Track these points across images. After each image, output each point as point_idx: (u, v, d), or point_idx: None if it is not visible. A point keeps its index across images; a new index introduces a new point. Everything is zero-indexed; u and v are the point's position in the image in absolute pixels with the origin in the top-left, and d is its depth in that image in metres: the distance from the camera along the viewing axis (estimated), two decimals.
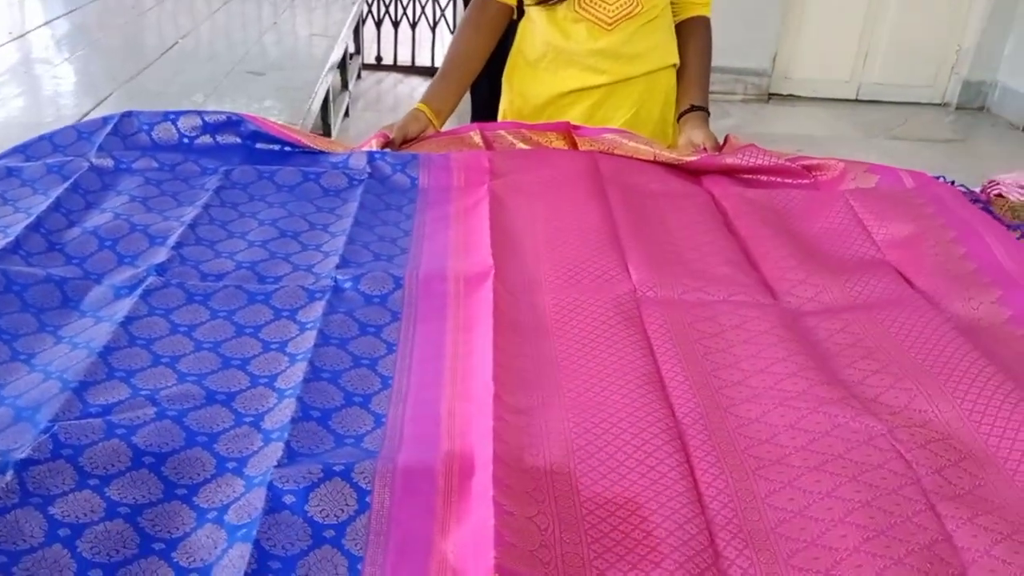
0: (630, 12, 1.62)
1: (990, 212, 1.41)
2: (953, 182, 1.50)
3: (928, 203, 1.36)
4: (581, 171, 1.44)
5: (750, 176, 1.53)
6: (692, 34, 1.71)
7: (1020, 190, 1.44)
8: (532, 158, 1.52)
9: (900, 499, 0.77)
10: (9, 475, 0.73)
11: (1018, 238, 1.29)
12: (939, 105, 5.26)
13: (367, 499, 0.75)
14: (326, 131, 3.26)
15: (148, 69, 2.66)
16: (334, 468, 0.77)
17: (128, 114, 1.46)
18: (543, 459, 0.80)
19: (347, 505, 0.74)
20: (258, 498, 0.74)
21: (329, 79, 2.97)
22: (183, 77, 2.62)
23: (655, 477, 0.79)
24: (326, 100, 3.06)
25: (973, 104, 5.18)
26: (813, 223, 1.36)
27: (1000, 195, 1.46)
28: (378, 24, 5.26)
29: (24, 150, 1.41)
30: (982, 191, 1.50)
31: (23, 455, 0.76)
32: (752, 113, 4.95)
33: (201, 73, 2.67)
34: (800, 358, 0.98)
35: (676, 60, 1.72)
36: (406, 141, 1.57)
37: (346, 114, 4.24)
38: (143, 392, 0.88)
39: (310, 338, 0.98)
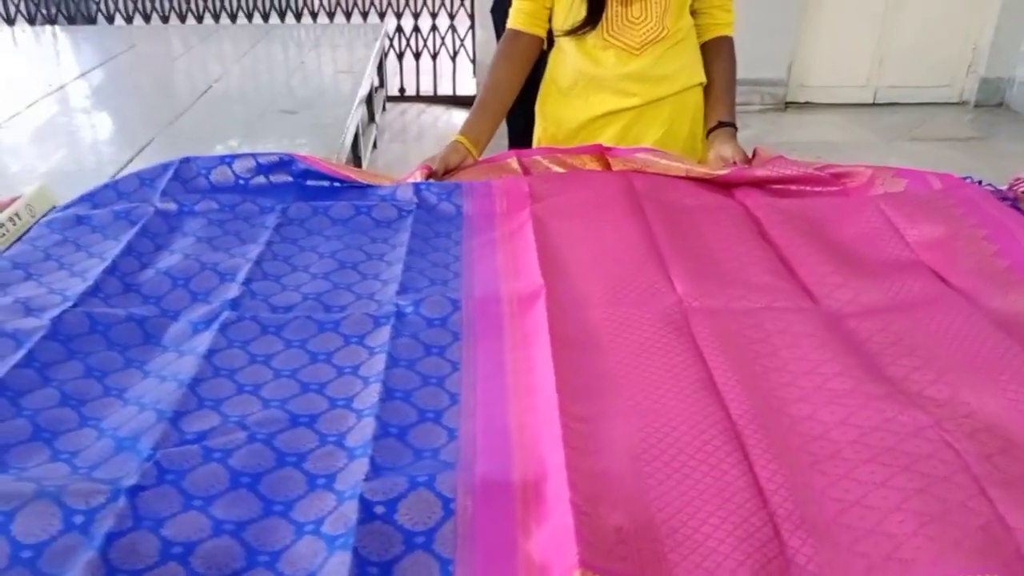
0: (656, 37, 1.69)
1: (1018, 209, 1.45)
2: (980, 182, 1.54)
3: (957, 204, 1.40)
4: (617, 191, 1.50)
5: (780, 187, 1.58)
6: (717, 54, 1.78)
7: None
8: (569, 181, 1.59)
9: (952, 486, 0.81)
10: (122, 501, 0.80)
11: None
12: (958, 104, 5.28)
13: (451, 506, 0.80)
14: (357, 164, 3.36)
15: (184, 115, 2.77)
16: (418, 480, 0.83)
17: (186, 160, 1.55)
18: (610, 463, 0.85)
19: (433, 513, 0.80)
20: (351, 510, 0.80)
21: (359, 114, 3.07)
22: (218, 120, 2.72)
23: (717, 475, 0.84)
24: (356, 134, 3.15)
25: (992, 101, 5.19)
26: (846, 229, 1.41)
27: None
28: (399, 56, 5.39)
29: (91, 198, 1.50)
30: (1009, 188, 1.54)
31: (132, 482, 0.83)
32: (770, 123, 5.00)
33: (235, 115, 2.78)
34: (845, 358, 1.03)
35: (703, 79, 1.79)
36: (448, 171, 1.65)
37: (374, 146, 4.34)
38: (232, 419, 0.94)
39: (380, 361, 1.04)
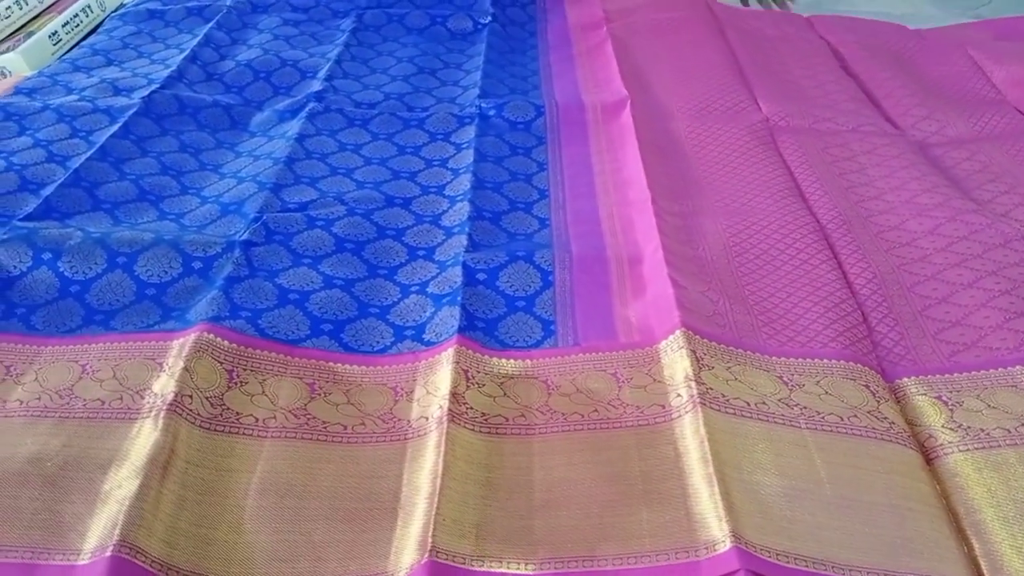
0: None
1: None
2: None
3: None
4: (695, 13, 1.46)
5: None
6: None
7: None
8: (645, 1, 1.54)
9: None
10: (237, 252, 0.84)
11: None
12: None
13: (549, 278, 0.84)
14: None
15: None
16: (517, 254, 0.86)
17: None
18: (703, 251, 0.88)
19: (532, 282, 0.83)
20: (455, 275, 0.83)
21: None
22: None
23: (807, 269, 0.86)
24: None
25: None
26: (931, 69, 1.38)
27: None
28: None
29: None
30: None
31: (243, 237, 0.86)
32: None
33: None
34: (932, 178, 1.03)
35: None
36: None
37: None
38: (330, 195, 0.97)
39: (468, 156, 1.05)
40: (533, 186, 1.02)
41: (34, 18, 1.52)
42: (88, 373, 0.70)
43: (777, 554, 0.56)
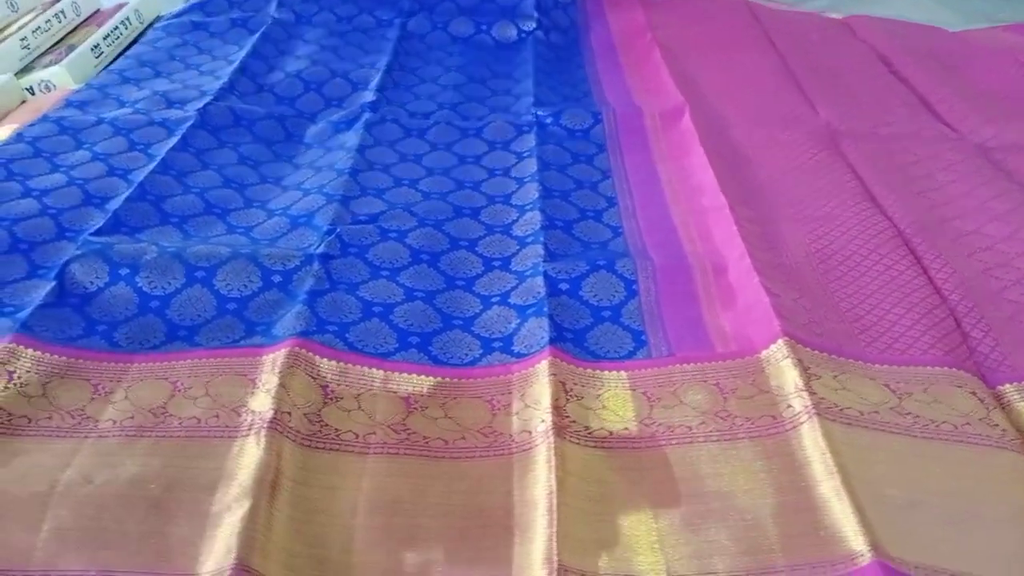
0: None
1: None
2: None
3: None
4: (740, 19, 1.46)
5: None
6: None
7: None
8: (686, 7, 1.54)
9: None
10: (316, 265, 0.82)
11: None
12: None
13: (633, 287, 0.82)
14: None
15: None
16: (597, 263, 0.84)
17: None
18: (787, 258, 0.86)
19: (616, 292, 0.81)
20: (537, 285, 0.82)
21: None
22: None
23: (892, 275, 0.85)
24: None
25: None
26: (981, 73, 1.37)
27: None
28: None
29: (202, 7, 1.47)
30: None
31: (320, 250, 0.84)
32: None
33: None
34: (1001, 183, 1.02)
35: None
36: None
37: None
38: (399, 206, 0.95)
39: (531, 164, 1.04)
40: (600, 194, 1.01)
41: (71, 31, 1.51)
42: (180, 391, 0.69)
43: (915, 567, 0.54)
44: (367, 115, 1.14)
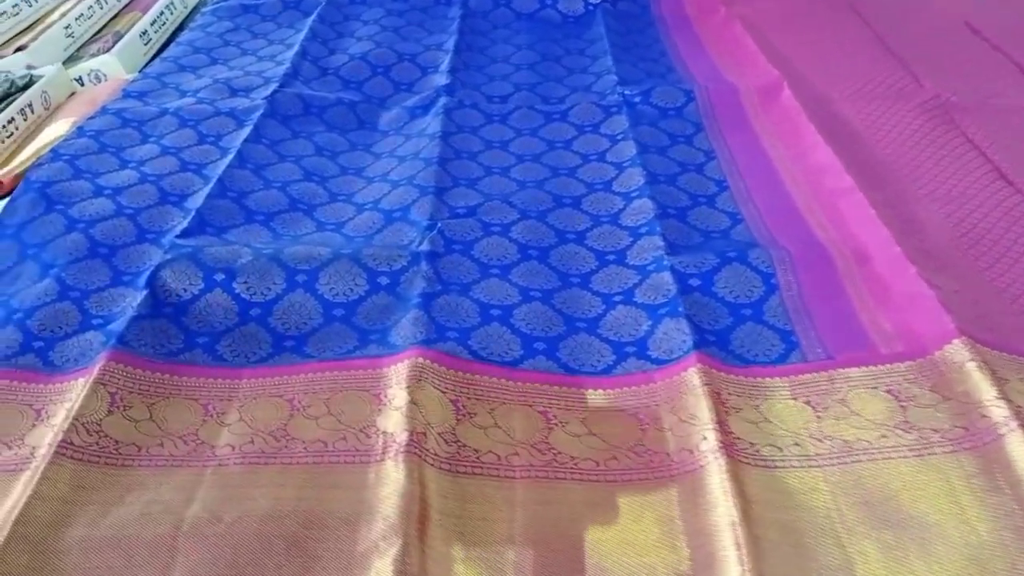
0: None
1: None
2: None
3: None
4: None
5: None
6: None
7: None
8: None
9: None
10: (424, 265, 0.75)
11: None
12: None
13: (772, 281, 0.75)
14: None
15: None
16: (727, 254, 0.77)
17: None
18: (932, 243, 0.79)
19: (754, 286, 0.74)
20: (664, 282, 0.75)
21: None
22: None
23: None
24: None
25: None
26: None
27: None
28: None
29: None
30: None
31: (425, 248, 0.78)
32: None
33: None
34: None
35: None
36: None
37: None
38: (495, 196, 0.88)
39: (628, 148, 0.97)
40: (708, 177, 0.93)
41: (114, 17, 1.44)
42: (298, 409, 0.63)
43: None
44: (443, 99, 1.06)
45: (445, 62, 1.16)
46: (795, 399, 0.64)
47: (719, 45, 1.25)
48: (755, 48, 1.19)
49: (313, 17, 1.28)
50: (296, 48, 1.18)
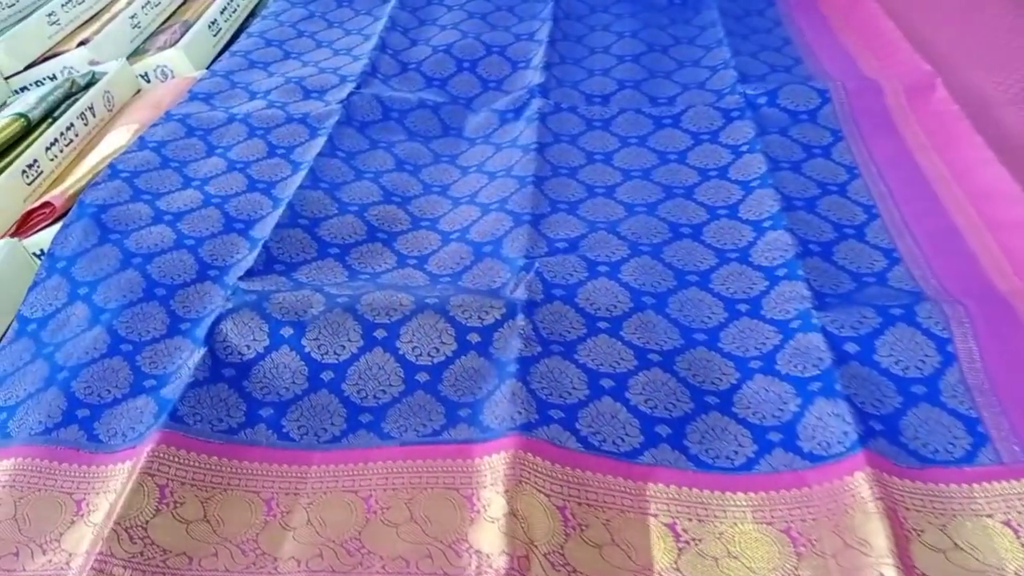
0: None
1: None
2: None
3: None
4: None
5: None
6: None
7: None
8: None
9: None
10: (520, 318, 0.64)
11: None
12: None
13: (948, 348, 0.61)
14: None
15: None
16: (891, 312, 0.63)
17: None
18: None
19: (927, 355, 0.60)
20: (812, 345, 0.61)
21: None
22: None
23: None
24: None
25: None
26: None
27: None
28: None
29: None
30: None
31: (523, 296, 0.66)
32: None
33: None
34: None
35: None
36: None
37: None
38: (600, 225, 0.76)
39: (755, 162, 0.83)
40: (852, 201, 0.79)
41: (181, 4, 1.35)
42: (375, 512, 0.52)
43: None
44: (537, 101, 0.94)
45: (539, 55, 1.03)
46: (991, 516, 0.50)
47: (851, 29, 1.08)
48: (898, 33, 1.02)
49: (393, 2, 1.16)
50: (374, 40, 1.07)
